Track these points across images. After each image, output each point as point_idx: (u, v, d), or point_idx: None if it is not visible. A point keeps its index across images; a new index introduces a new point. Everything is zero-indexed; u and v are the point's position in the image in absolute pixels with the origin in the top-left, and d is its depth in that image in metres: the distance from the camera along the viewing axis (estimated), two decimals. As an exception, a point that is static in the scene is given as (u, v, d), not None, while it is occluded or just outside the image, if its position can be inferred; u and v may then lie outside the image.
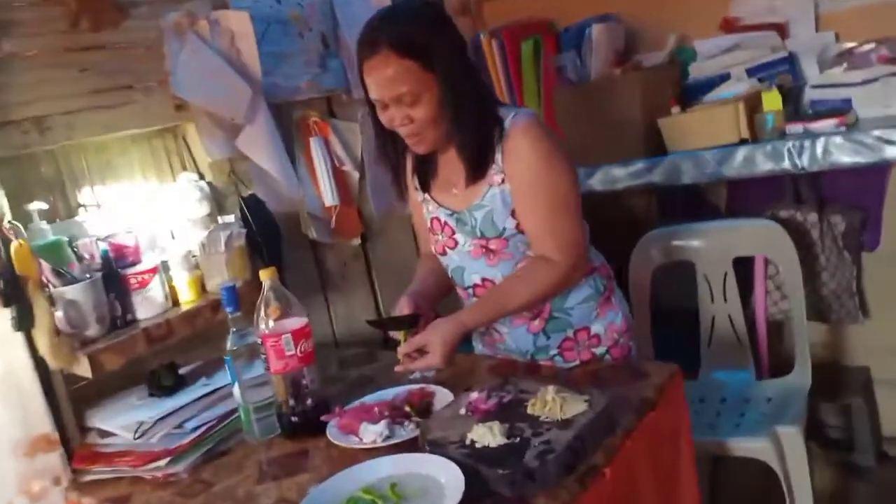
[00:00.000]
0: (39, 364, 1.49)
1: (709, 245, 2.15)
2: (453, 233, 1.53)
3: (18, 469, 1.44)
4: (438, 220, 1.55)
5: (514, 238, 1.46)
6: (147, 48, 1.79)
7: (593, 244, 1.64)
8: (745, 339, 2.13)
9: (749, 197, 2.37)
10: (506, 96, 2.46)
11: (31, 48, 1.59)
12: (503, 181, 1.43)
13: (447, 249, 1.56)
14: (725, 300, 2.15)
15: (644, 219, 2.55)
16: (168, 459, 1.41)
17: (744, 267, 2.19)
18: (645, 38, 2.46)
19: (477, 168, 1.43)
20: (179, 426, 1.51)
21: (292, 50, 2.14)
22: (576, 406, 1.22)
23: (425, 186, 1.57)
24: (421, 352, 1.43)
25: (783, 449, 1.77)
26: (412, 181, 1.60)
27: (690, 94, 2.27)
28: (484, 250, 1.50)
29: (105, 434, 1.53)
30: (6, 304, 1.44)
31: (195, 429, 1.49)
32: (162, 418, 1.50)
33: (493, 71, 2.44)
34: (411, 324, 1.49)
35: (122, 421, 1.52)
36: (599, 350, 1.56)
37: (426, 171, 1.57)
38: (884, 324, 2.31)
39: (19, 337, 1.47)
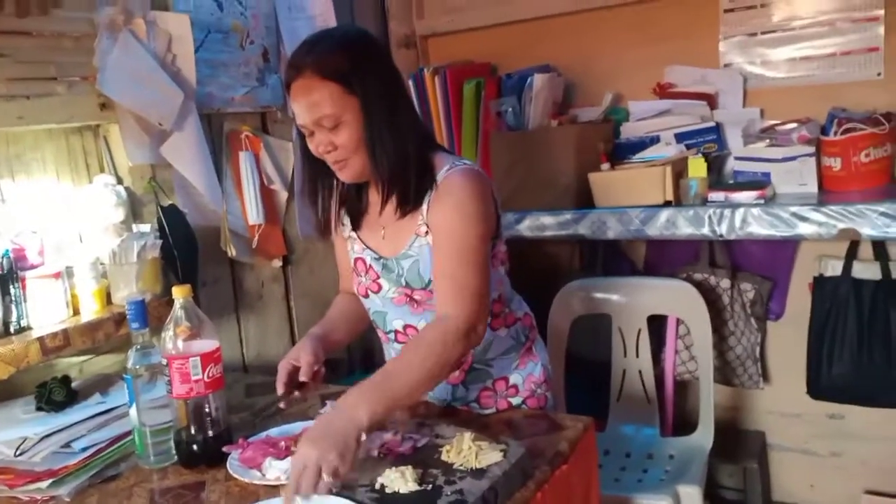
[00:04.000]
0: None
1: (626, 300, 2.20)
2: (378, 277, 1.48)
3: None
4: (364, 261, 1.50)
5: None
6: (76, 40, 1.71)
7: (515, 288, 1.63)
8: (653, 396, 2.19)
9: (666, 257, 2.45)
10: (444, 134, 2.47)
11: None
12: (427, 232, 1.40)
13: (370, 293, 1.51)
14: (637, 355, 2.20)
15: (567, 268, 2.59)
16: (50, 481, 1.30)
17: (657, 325, 2.25)
18: (583, 92, 2.53)
19: (399, 204, 1.39)
20: (67, 445, 1.40)
21: (231, 60, 2.08)
22: (491, 456, 1.20)
23: (355, 224, 1.53)
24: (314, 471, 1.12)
25: (683, 508, 1.81)
26: (340, 215, 1.55)
27: (620, 153, 2.33)
28: (408, 299, 1.46)
29: (-18, 448, 1.41)
30: None
31: (84, 449, 1.38)
32: (48, 435, 1.39)
33: (433, 107, 2.46)
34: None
35: (4, 435, 1.40)
36: (516, 400, 1.55)
37: (356, 207, 1.51)
38: (781, 390, 2.42)
39: None
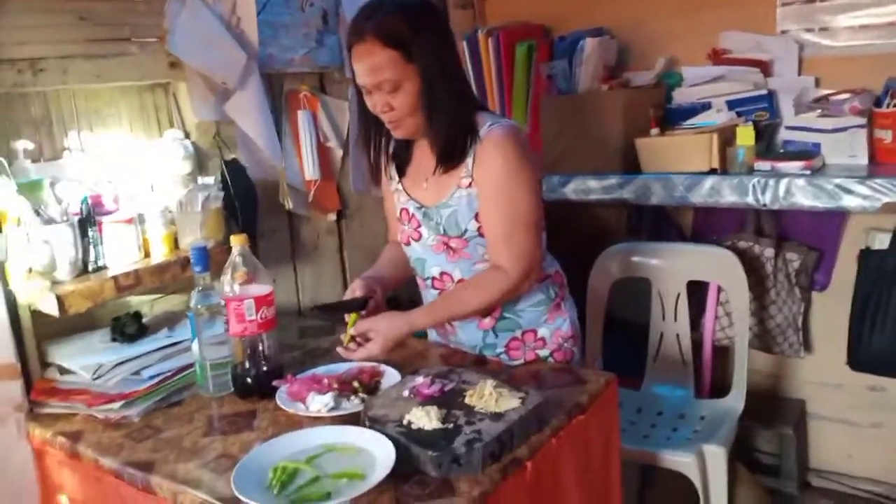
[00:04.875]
0: (9, 297, 1.54)
1: (665, 265, 2.24)
2: (419, 225, 1.60)
3: (-18, 392, 1.50)
4: (407, 211, 1.62)
5: (474, 240, 1.54)
6: (148, 4, 1.83)
7: (559, 250, 1.71)
8: (689, 359, 2.23)
9: (713, 224, 2.46)
10: (495, 95, 2.52)
11: (32, -10, 1.63)
12: (471, 185, 1.50)
13: (411, 241, 1.63)
14: (676, 319, 2.24)
15: (615, 231, 2.63)
16: (122, 403, 1.47)
17: (699, 291, 2.28)
18: (636, 56, 2.53)
19: (446, 162, 1.50)
20: (137, 373, 1.57)
21: (291, 22, 2.18)
22: (510, 402, 1.30)
23: (401, 172, 1.64)
24: (365, 337, 1.51)
25: (706, 466, 1.87)
26: (389, 167, 1.66)
27: (671, 118, 2.34)
28: (445, 247, 1.57)
29: (65, 371, 1.59)
30: (-18, 236, 1.49)
31: (152, 377, 1.55)
32: (121, 363, 1.56)
33: (486, 68, 2.50)
34: (360, 307, 1.56)
35: (83, 361, 1.58)
36: (543, 352, 1.64)
37: (403, 159, 1.63)
38: (823, 361, 2.42)
39: (-11, 271, 1.52)
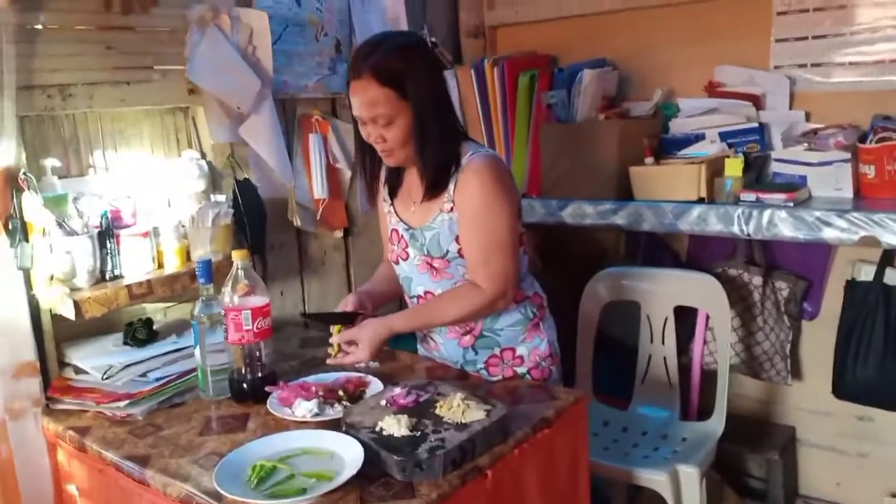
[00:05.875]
0: (32, 301, 1.70)
1: (654, 289, 2.32)
2: (406, 246, 1.72)
3: (6, 389, 1.64)
4: (397, 231, 1.74)
5: (456, 261, 1.65)
6: (170, 34, 1.99)
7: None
8: (675, 381, 2.31)
9: (706, 251, 2.54)
10: (500, 121, 2.63)
11: (64, 23, 1.79)
12: (452, 209, 1.62)
13: (400, 260, 1.75)
14: (663, 342, 2.32)
15: (612, 255, 2.72)
16: (127, 402, 1.61)
17: (690, 315, 2.36)
18: (637, 86, 2.63)
19: (432, 189, 1.63)
20: (144, 375, 1.71)
21: (306, 51, 2.33)
22: (476, 413, 1.41)
23: (392, 195, 1.76)
24: (351, 344, 1.63)
25: (680, 486, 1.95)
26: (382, 190, 1.79)
27: (667, 148, 2.43)
28: (429, 266, 1.69)
29: (79, 370, 1.74)
30: (12, 245, 1.64)
31: (157, 379, 1.69)
32: (129, 366, 1.71)
33: (491, 96, 2.62)
34: (348, 320, 1.68)
35: (95, 362, 1.72)
36: (521, 370, 1.74)
37: (395, 183, 1.76)
38: (812, 388, 2.47)
39: (19, 275, 1.67)
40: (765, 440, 2.50)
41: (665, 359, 2.32)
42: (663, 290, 2.31)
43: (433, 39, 2.53)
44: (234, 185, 2.12)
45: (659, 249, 2.61)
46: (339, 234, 2.50)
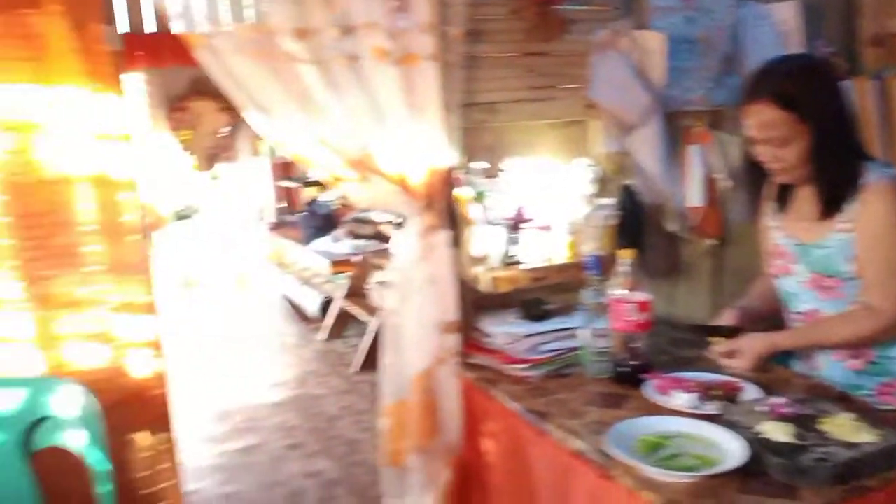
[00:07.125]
0: (459, 274, 2.10)
1: None
2: (792, 261, 1.72)
3: (438, 341, 2.06)
4: (782, 247, 1.76)
5: (851, 282, 1.62)
6: (578, 56, 2.28)
7: None
8: None
9: None
10: (898, 136, 2.45)
11: (497, 51, 2.19)
12: (850, 229, 1.59)
13: (782, 275, 1.77)
14: None
15: None
16: (527, 366, 1.92)
17: None
18: None
19: (829, 208, 1.61)
20: (538, 346, 2.00)
21: (694, 66, 2.45)
22: (866, 436, 1.36)
23: (780, 209, 1.79)
24: (733, 355, 1.72)
25: None
26: (767, 206, 1.83)
27: None
28: (818, 285, 1.68)
29: (487, 334, 2.10)
30: (449, 228, 2.06)
31: (549, 351, 1.97)
32: (527, 336, 2.02)
33: (892, 110, 2.45)
34: (731, 334, 1.77)
35: (501, 329, 2.07)
36: (919, 403, 1.63)
37: (784, 199, 1.77)
38: None
39: (450, 253, 2.08)
40: None
41: None
42: None
43: (830, 49, 2.45)
44: (620, 189, 2.34)
45: None
46: (711, 241, 2.58)
